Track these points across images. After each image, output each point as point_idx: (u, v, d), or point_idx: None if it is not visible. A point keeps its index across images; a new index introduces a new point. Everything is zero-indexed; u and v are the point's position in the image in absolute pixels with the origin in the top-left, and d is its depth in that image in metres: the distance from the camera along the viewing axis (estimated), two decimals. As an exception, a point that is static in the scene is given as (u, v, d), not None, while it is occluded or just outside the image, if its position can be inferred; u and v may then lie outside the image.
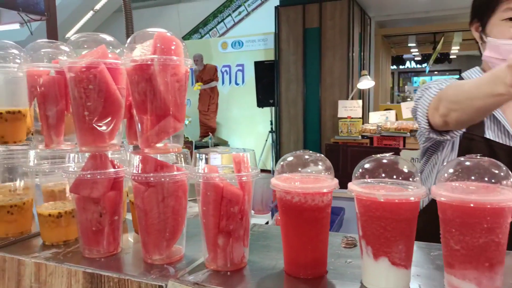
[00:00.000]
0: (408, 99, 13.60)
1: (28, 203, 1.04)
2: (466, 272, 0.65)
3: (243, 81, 8.02)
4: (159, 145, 0.87)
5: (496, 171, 0.66)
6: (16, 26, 4.55)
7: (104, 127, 0.89)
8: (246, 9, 8.64)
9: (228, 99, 8.10)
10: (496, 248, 0.64)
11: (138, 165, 0.84)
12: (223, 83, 8.18)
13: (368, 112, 7.07)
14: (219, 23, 8.90)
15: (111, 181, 0.89)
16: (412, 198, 0.68)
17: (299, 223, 0.76)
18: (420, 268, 0.80)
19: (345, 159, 4.77)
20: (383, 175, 0.72)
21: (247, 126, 7.99)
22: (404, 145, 5.33)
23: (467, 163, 0.69)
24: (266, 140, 7.04)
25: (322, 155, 0.80)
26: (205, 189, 0.79)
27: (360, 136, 5.73)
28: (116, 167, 0.92)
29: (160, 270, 0.81)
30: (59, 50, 0.98)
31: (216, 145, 7.87)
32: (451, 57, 12.11)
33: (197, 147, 6.83)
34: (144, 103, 0.83)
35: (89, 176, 0.87)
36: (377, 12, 7.79)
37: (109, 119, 0.89)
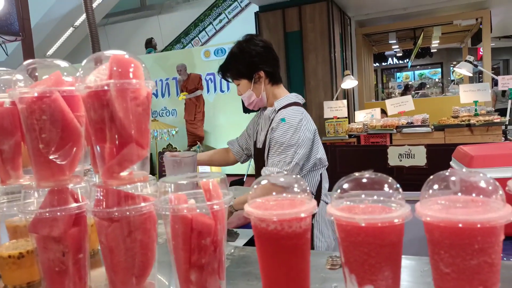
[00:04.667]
0: (393, 95, 13.72)
1: (-13, 244, 0.96)
2: (459, 297, 0.60)
3: (228, 88, 7.97)
4: (123, 173, 0.80)
5: (484, 185, 0.61)
6: (-9, 48, 4.43)
7: (62, 160, 0.82)
8: (227, 17, 8.62)
9: (214, 107, 8.04)
10: (489, 270, 0.59)
11: (100, 198, 0.77)
12: (208, 91, 8.12)
13: (354, 111, 7.07)
14: (200, 32, 8.86)
15: (73, 217, 0.82)
16: (396, 221, 0.62)
17: (277, 252, 0.69)
18: (411, 290, 0.74)
19: (333, 159, 4.73)
20: (363, 195, 0.66)
21: (235, 133, 7.84)
22: (391, 142, 5.33)
23: (453, 177, 0.63)
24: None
25: (298, 176, 0.74)
26: (173, 221, 0.72)
27: (347, 136, 5.72)
28: (80, 200, 0.85)
29: (130, 313, 0.75)
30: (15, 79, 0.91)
31: (204, 154, 7.78)
32: (432, 51, 12.24)
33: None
34: (102, 131, 0.77)
35: (47, 214, 0.79)
36: (356, 11, 7.83)
37: (68, 150, 0.82)
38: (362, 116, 6.20)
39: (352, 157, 4.66)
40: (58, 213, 0.80)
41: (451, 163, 2.12)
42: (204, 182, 0.74)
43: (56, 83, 0.80)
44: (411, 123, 5.38)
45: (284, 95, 1.90)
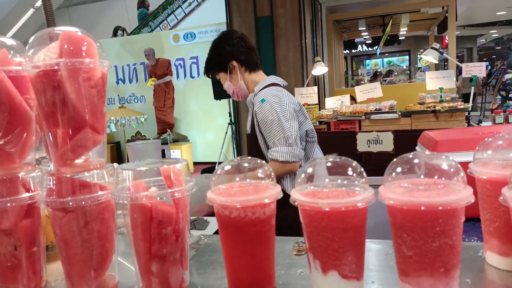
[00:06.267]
0: (362, 82, 13.92)
1: None
2: (421, 279, 0.60)
3: (198, 74, 7.83)
4: (78, 161, 0.75)
5: (446, 167, 0.61)
6: None
7: (11, 147, 0.76)
8: (197, 0, 8.41)
9: (184, 93, 7.89)
10: (450, 252, 0.59)
11: (53, 188, 0.73)
12: (177, 77, 7.95)
13: (324, 98, 7.12)
14: (169, 15, 8.61)
15: (24, 208, 0.77)
16: (359, 204, 0.61)
17: (240, 240, 0.68)
18: (375, 273, 0.74)
19: (304, 146, 4.76)
20: (327, 179, 0.65)
21: (206, 120, 7.83)
22: (360, 128, 5.41)
23: (416, 160, 0.63)
24: (226, 132, 6.93)
25: (263, 161, 0.72)
26: (132, 210, 0.69)
27: (317, 122, 5.75)
28: (32, 190, 0.80)
29: (88, 306, 0.71)
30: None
31: (175, 141, 7.66)
32: (400, 38, 12.46)
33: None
34: (54, 114, 0.72)
35: (-5, 205, 0.74)
36: (327, -3, 7.83)
37: (17, 136, 0.76)
38: (332, 103, 6.25)
39: (323, 144, 4.68)
40: (8, 204, 0.75)
41: (416, 148, 2.17)
42: (164, 168, 0.70)
43: (2, 63, 0.74)
44: (379, 109, 5.47)
45: (263, 79, 1.94)
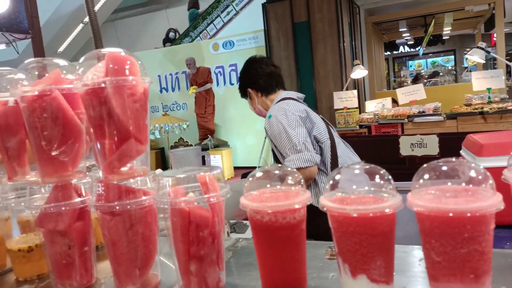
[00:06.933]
0: (405, 84, 13.53)
1: (-2, 238, 1.00)
2: (450, 285, 0.61)
3: (237, 81, 7.95)
4: (124, 169, 0.82)
5: (474, 174, 0.61)
6: (3, 46, 4.50)
7: (64, 156, 0.84)
8: (235, 9, 8.57)
9: (224, 100, 8.05)
10: (480, 258, 0.59)
11: (101, 193, 0.80)
12: (217, 84, 8.13)
13: (365, 101, 7.00)
14: (208, 25, 8.84)
15: (77, 211, 0.85)
16: (387, 210, 0.63)
17: (272, 243, 0.71)
18: (407, 278, 0.75)
19: (344, 150, 4.71)
20: (355, 185, 0.67)
21: (245, 125, 7.93)
22: (402, 132, 5.28)
23: (444, 167, 0.64)
24: (265, 138, 6.98)
25: (294, 170, 0.75)
26: (171, 214, 0.74)
27: (358, 126, 5.67)
28: (83, 195, 0.87)
29: (133, 303, 0.77)
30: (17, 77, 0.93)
31: (216, 146, 7.83)
32: (444, 38, 12.01)
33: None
34: (101, 127, 0.79)
35: (52, 209, 0.82)
36: (365, 0, 7.71)
37: (70, 146, 0.85)
38: (372, 106, 6.14)
39: (363, 148, 4.61)
40: (63, 208, 0.83)
41: (461, 152, 2.10)
42: (201, 175, 0.75)
43: (55, 82, 0.82)
44: (423, 112, 5.31)
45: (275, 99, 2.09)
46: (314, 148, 1.85)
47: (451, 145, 3.79)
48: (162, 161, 8.37)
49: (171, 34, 9.26)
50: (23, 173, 0.94)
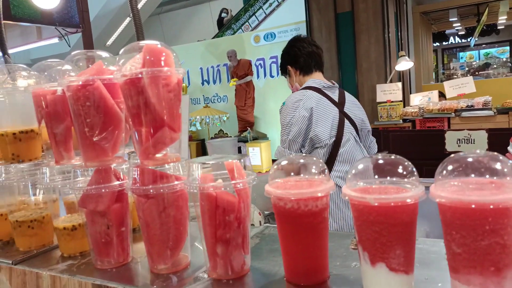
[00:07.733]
0: (455, 76, 12.90)
1: (47, 216, 1.09)
2: (470, 277, 0.60)
3: (277, 73, 7.94)
4: (158, 155, 0.87)
5: (499, 167, 0.60)
6: (56, 40, 4.77)
7: (105, 142, 0.91)
8: (277, 0, 8.54)
9: (264, 92, 8.08)
10: (501, 251, 0.58)
11: (137, 177, 0.85)
12: (258, 76, 8.15)
13: (410, 94, 6.77)
14: (250, 17, 8.87)
15: (115, 194, 0.91)
16: (408, 200, 0.63)
17: (294, 230, 0.73)
18: (428, 271, 0.75)
19: (386, 144, 4.60)
20: (377, 175, 0.68)
21: (285, 118, 7.90)
22: (449, 127, 5.07)
23: (469, 159, 0.63)
24: (304, 131, 6.94)
25: (319, 159, 0.77)
26: (200, 198, 0.78)
27: (401, 120, 5.51)
28: (121, 179, 0.94)
29: (164, 280, 0.83)
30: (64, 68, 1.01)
31: (255, 138, 7.89)
32: (498, 28, 11.30)
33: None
34: (138, 116, 0.84)
35: (93, 191, 0.89)
36: (413, -12, 7.42)
37: (110, 133, 0.91)
38: (418, 100, 5.93)
39: (406, 143, 4.49)
40: (103, 190, 0.90)
41: (508, 148, 2.00)
42: (228, 162, 0.79)
43: (97, 72, 0.89)
44: (472, 106, 5.05)
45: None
46: (300, 149, 1.97)
47: (501, 141, 3.60)
48: (202, 152, 8.56)
49: (223, 14, 9.36)
50: (69, 157, 1.02)
